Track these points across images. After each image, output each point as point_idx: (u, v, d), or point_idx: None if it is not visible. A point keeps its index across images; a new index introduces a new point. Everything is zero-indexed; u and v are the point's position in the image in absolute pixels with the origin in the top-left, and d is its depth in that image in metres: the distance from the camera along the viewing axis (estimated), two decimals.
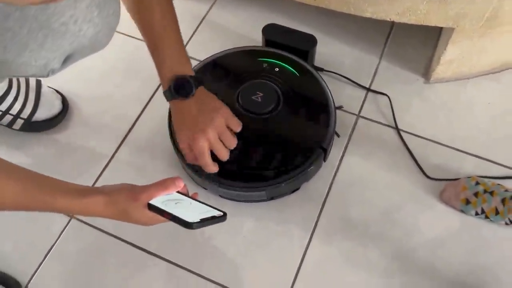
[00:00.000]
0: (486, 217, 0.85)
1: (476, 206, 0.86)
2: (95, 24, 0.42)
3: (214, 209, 0.62)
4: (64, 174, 0.81)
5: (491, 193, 0.85)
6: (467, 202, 0.86)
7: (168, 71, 0.74)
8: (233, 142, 0.80)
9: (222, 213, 0.61)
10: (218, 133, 0.77)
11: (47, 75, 0.44)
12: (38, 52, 0.40)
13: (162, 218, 0.61)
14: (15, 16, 0.34)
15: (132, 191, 0.60)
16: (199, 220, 0.57)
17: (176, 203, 0.61)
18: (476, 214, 0.86)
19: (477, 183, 0.87)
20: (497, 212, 0.84)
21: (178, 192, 0.63)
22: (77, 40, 0.41)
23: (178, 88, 0.74)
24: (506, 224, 0.84)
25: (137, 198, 0.59)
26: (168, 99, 0.77)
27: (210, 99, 0.80)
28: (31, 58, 0.40)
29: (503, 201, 0.83)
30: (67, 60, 0.44)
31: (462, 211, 0.87)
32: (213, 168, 0.79)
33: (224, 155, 0.79)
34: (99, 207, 0.60)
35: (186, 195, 0.65)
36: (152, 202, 0.60)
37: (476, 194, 0.86)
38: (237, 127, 0.82)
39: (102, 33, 0.44)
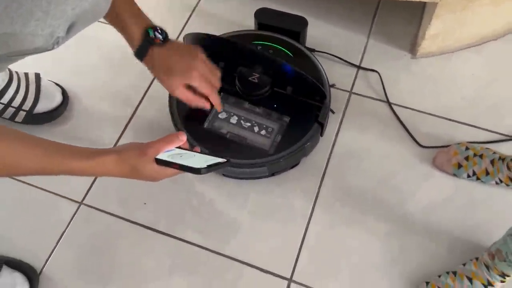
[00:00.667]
0: (478, 178, 0.90)
1: (468, 169, 0.90)
2: None
3: (217, 157, 0.65)
4: None
5: (481, 156, 0.90)
6: (459, 166, 0.91)
7: (136, 28, 0.77)
8: (218, 84, 0.85)
9: (225, 159, 0.65)
10: (203, 73, 0.81)
11: (52, 47, 0.46)
12: (43, 20, 0.41)
13: (169, 171, 0.65)
14: None
15: (139, 148, 0.64)
16: (205, 166, 0.60)
17: (181, 156, 0.64)
18: (468, 176, 0.91)
19: (467, 148, 0.92)
20: (487, 173, 0.89)
21: (180, 148, 0.67)
22: (79, 4, 0.43)
23: (154, 32, 0.77)
24: (496, 183, 0.89)
25: (145, 153, 0.63)
26: (145, 52, 0.78)
27: (186, 46, 0.83)
28: (37, 27, 0.41)
29: (492, 162, 0.88)
30: (70, 29, 0.46)
31: (454, 175, 0.92)
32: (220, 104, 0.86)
33: (217, 99, 0.85)
34: (111, 165, 0.63)
35: (188, 149, 0.68)
36: (159, 156, 0.63)
37: (467, 158, 0.91)
38: (216, 70, 0.85)
39: None
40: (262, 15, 1.03)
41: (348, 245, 0.88)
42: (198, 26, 1.17)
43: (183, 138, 0.66)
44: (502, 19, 1.05)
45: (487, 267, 0.76)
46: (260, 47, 0.99)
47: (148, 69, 0.81)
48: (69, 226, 0.92)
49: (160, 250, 0.89)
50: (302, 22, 1.02)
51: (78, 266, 0.89)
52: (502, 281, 0.76)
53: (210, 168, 0.62)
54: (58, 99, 1.03)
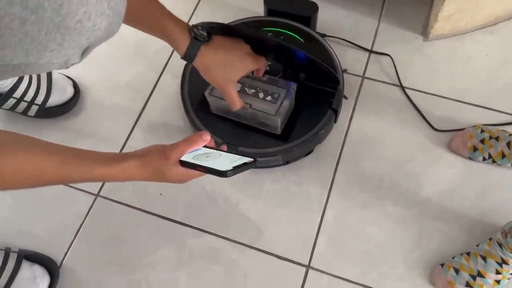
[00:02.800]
0: (493, 161, 0.90)
1: (483, 152, 0.90)
2: (107, 15, 0.43)
3: (243, 157, 0.64)
4: None
5: (497, 138, 0.89)
6: (475, 149, 0.91)
7: (180, 28, 0.75)
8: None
9: (252, 159, 0.63)
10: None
11: (67, 68, 0.46)
12: (58, 51, 0.40)
13: (195, 173, 0.64)
14: (31, 21, 0.35)
15: (162, 151, 0.63)
16: (231, 168, 0.59)
17: (206, 157, 0.63)
18: (484, 159, 0.90)
19: (482, 131, 0.91)
20: (503, 156, 0.88)
21: (206, 146, 0.65)
22: (93, 34, 0.42)
23: (199, 30, 0.75)
24: (484, 159, 0.89)
25: (168, 156, 0.62)
26: (195, 51, 0.76)
27: (228, 40, 0.80)
28: (52, 57, 0.40)
29: (508, 144, 0.88)
30: (84, 53, 0.46)
31: (470, 158, 0.92)
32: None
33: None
34: (135, 170, 0.62)
35: (215, 148, 0.67)
36: (184, 158, 0.62)
37: (482, 141, 0.90)
38: (262, 60, 0.84)
39: (113, 22, 0.45)
40: (272, 1, 1.02)
41: (365, 230, 0.88)
42: (207, 13, 1.16)
43: (206, 137, 0.64)
44: None
45: (500, 245, 0.76)
46: (271, 33, 0.98)
47: (199, 71, 0.79)
48: (87, 218, 0.93)
49: (178, 239, 0.90)
50: (312, 7, 1.01)
51: (98, 257, 0.90)
52: None
53: (236, 169, 0.60)
54: (69, 92, 1.03)
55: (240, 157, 0.64)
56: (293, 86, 0.88)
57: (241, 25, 1.00)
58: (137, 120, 1.03)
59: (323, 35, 1.06)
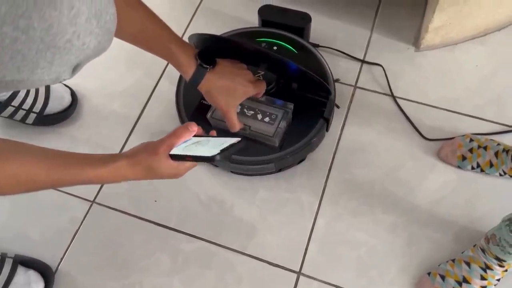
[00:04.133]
0: (482, 170, 0.91)
1: (472, 161, 0.92)
2: (96, 34, 0.44)
3: (231, 138, 0.64)
4: None
5: (485, 148, 0.91)
6: (463, 158, 0.92)
7: (186, 55, 0.78)
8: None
9: (239, 139, 0.64)
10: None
11: (60, 82, 0.48)
12: (49, 68, 0.42)
13: (188, 164, 0.65)
14: (22, 40, 0.36)
15: (151, 147, 0.64)
16: (219, 152, 0.59)
17: (195, 146, 0.63)
18: (472, 168, 0.92)
19: (471, 140, 0.93)
20: (491, 165, 0.90)
21: (196, 136, 0.66)
22: (83, 53, 0.44)
23: (205, 58, 0.78)
24: (500, 175, 0.91)
25: (157, 152, 0.63)
26: (201, 78, 0.79)
27: (231, 65, 0.84)
28: (43, 74, 0.42)
29: (496, 154, 0.90)
30: (75, 69, 0.48)
31: (459, 167, 0.93)
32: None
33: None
34: (126, 170, 0.63)
35: (204, 135, 0.67)
36: (173, 152, 0.63)
37: (471, 150, 0.92)
38: (261, 83, 0.88)
39: (103, 40, 0.47)
40: (265, 12, 1.04)
41: (356, 237, 0.90)
42: (203, 23, 1.18)
43: (193, 128, 0.65)
44: (506, 10, 1.05)
45: (483, 250, 0.78)
46: (264, 44, 1.00)
47: (203, 94, 0.82)
48: (83, 224, 0.95)
49: (172, 245, 0.91)
50: (305, 18, 1.03)
51: (93, 262, 0.91)
52: (499, 265, 0.78)
53: (224, 152, 0.60)
54: (67, 100, 1.05)
55: (228, 139, 0.64)
56: (290, 106, 0.91)
57: (235, 36, 1.02)
58: (134, 127, 1.05)
59: (316, 45, 1.08)
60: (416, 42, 1.10)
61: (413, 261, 0.87)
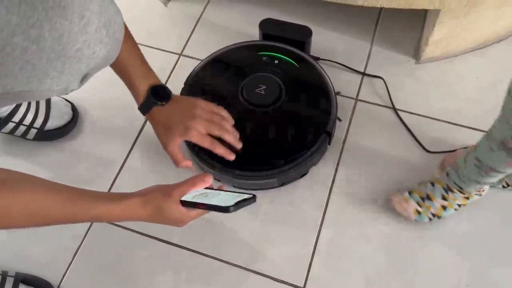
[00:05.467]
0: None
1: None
2: (106, 43, 0.44)
3: (242, 194, 0.66)
4: (80, 179, 0.84)
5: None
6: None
7: (142, 84, 0.79)
8: (227, 122, 0.83)
9: (251, 195, 0.65)
10: (207, 118, 0.80)
11: (67, 94, 0.48)
12: (59, 78, 0.41)
13: (195, 213, 0.66)
14: (32, 50, 0.36)
15: (164, 189, 0.65)
16: (233, 204, 0.61)
17: (206, 196, 0.65)
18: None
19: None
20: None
21: (205, 188, 0.68)
22: (93, 61, 0.44)
23: (157, 93, 0.79)
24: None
25: (170, 194, 0.64)
26: (147, 110, 0.80)
27: (185, 99, 0.84)
28: (53, 84, 0.41)
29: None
30: (83, 79, 0.48)
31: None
32: (229, 155, 0.82)
33: (231, 137, 0.82)
34: (137, 208, 0.64)
35: (213, 188, 0.69)
36: (184, 198, 0.64)
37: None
38: (220, 109, 0.84)
39: (112, 49, 0.47)
40: (266, 25, 1.05)
41: (360, 250, 0.90)
42: (203, 37, 1.18)
43: (209, 179, 0.67)
44: (505, 22, 1.06)
45: (447, 174, 0.84)
46: (265, 58, 1.00)
47: (149, 122, 0.82)
48: (84, 241, 0.94)
49: (175, 261, 0.91)
50: (306, 32, 1.03)
51: (95, 279, 0.90)
52: (460, 191, 0.83)
53: (238, 205, 0.62)
54: (68, 115, 1.04)
55: (239, 194, 0.66)
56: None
57: (235, 49, 1.02)
58: (136, 140, 1.05)
59: (317, 58, 1.08)
60: (416, 54, 1.10)
61: (417, 272, 0.87)
